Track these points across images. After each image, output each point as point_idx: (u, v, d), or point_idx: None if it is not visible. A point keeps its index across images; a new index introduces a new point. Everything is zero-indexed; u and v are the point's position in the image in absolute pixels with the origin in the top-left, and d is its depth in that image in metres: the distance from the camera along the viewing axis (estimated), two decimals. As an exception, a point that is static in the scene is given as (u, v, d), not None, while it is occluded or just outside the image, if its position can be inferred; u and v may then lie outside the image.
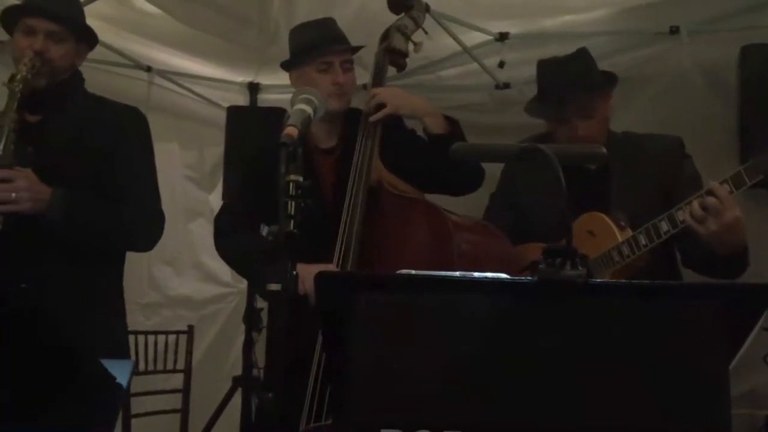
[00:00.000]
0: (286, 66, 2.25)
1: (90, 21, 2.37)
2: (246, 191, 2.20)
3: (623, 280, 1.96)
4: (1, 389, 1.18)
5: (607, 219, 2.09)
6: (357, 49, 2.26)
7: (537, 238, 2.10)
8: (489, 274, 1.14)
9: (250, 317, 3.61)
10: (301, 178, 1.25)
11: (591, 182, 2.14)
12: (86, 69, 2.29)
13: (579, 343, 1.10)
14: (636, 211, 2.07)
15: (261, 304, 3.62)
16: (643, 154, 2.19)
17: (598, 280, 1.83)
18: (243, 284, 3.94)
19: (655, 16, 3.08)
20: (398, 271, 1.16)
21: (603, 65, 2.38)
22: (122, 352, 2.10)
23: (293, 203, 1.22)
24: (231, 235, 2.16)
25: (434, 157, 2.05)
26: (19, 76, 1.98)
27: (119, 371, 1.46)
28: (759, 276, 2.25)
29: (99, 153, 2.05)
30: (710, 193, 1.85)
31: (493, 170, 2.48)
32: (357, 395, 1.11)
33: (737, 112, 2.81)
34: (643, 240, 2.00)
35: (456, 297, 1.11)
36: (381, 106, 2.11)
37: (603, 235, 2.09)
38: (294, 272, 1.18)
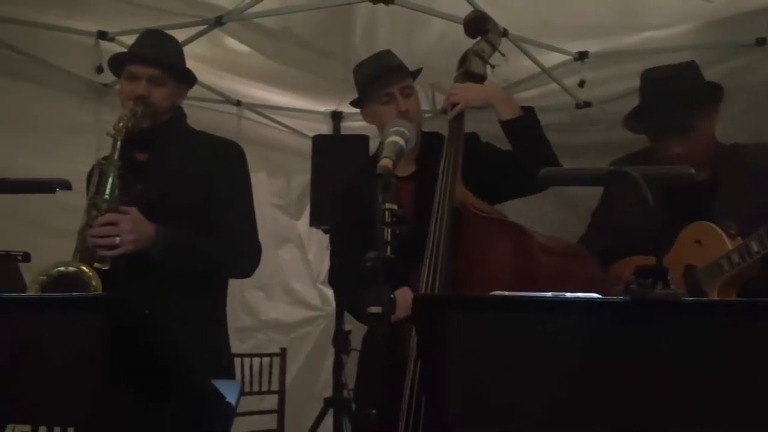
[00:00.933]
0: (355, 105, 2.35)
1: (186, 62, 2.53)
2: (346, 223, 2.28)
3: (715, 299, 1.92)
4: (122, 406, 1.28)
5: (716, 227, 2.03)
6: (416, 73, 2.30)
7: (641, 252, 2.04)
8: (580, 294, 1.18)
9: (339, 339, 3.70)
10: (395, 207, 1.33)
11: (699, 194, 2.07)
12: (183, 105, 2.44)
13: (670, 361, 1.12)
14: (747, 222, 1.99)
15: (349, 326, 3.71)
16: (752, 164, 2.12)
17: (690, 298, 1.81)
18: (331, 307, 4.05)
19: (739, 28, 3.03)
20: (492, 293, 1.21)
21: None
22: (229, 374, 2.21)
23: (389, 230, 1.30)
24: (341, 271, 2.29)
25: (508, 162, 2.09)
26: (120, 124, 2.13)
27: (228, 391, 1.56)
28: None
29: (201, 185, 2.18)
30: None
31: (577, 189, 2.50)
32: (453, 411, 1.16)
33: (832, 123, 2.73)
34: (755, 247, 1.91)
35: (549, 316, 1.15)
36: (455, 104, 2.15)
37: (711, 244, 2.03)
38: (392, 296, 1.25)
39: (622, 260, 2.16)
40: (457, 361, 1.17)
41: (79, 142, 3.19)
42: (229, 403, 1.54)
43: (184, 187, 2.17)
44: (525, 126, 2.17)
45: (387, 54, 2.34)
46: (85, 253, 2.04)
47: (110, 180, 2.10)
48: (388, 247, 1.29)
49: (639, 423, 1.11)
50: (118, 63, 2.26)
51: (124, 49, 2.63)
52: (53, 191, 1.66)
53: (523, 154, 2.14)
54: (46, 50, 3.23)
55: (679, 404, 1.11)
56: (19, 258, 2.08)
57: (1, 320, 1.27)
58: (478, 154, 2.21)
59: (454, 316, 1.16)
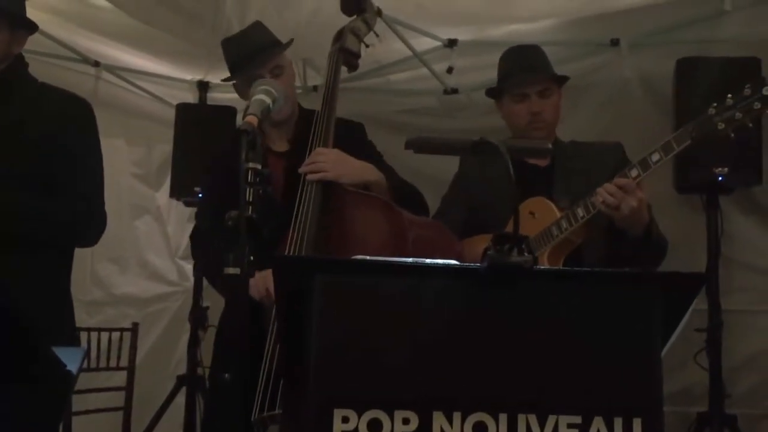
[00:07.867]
0: (229, 80, 2.29)
1: (38, 13, 2.32)
2: (213, 190, 2.22)
3: (567, 268, 2.05)
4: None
5: (549, 201, 2.25)
6: (287, 45, 2.28)
7: (489, 230, 2.19)
8: (441, 261, 1.20)
9: (196, 316, 3.59)
10: (259, 166, 1.28)
11: (538, 178, 2.30)
12: (33, 62, 2.23)
13: (522, 325, 1.16)
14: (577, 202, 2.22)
15: (207, 302, 3.61)
16: (586, 155, 2.36)
17: (544, 266, 1.92)
18: (189, 283, 3.91)
19: (597, 28, 3.21)
20: (353, 257, 1.20)
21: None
22: (72, 342, 2.08)
23: (251, 190, 1.25)
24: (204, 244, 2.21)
25: None
26: None
27: (69, 358, 1.47)
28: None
29: (42, 142, 2.01)
30: (616, 183, 2.06)
31: (445, 175, 2.57)
32: (313, 376, 1.14)
33: (672, 122, 2.94)
34: (581, 212, 2.14)
35: (410, 282, 1.16)
36: (320, 169, 2.01)
37: (543, 215, 2.22)
38: (251, 257, 1.21)
39: (470, 238, 2.27)
40: (318, 324, 1.15)
41: None
42: (69, 372, 1.45)
43: (18, 143, 2.00)
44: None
45: (258, 29, 2.28)
46: None
47: None
48: (249, 207, 1.24)
49: (493, 379, 1.14)
50: None
51: None
52: None
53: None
54: None
55: (527, 364, 1.15)
56: None
57: None
58: (360, 149, 2.17)
59: (316, 279, 1.14)
